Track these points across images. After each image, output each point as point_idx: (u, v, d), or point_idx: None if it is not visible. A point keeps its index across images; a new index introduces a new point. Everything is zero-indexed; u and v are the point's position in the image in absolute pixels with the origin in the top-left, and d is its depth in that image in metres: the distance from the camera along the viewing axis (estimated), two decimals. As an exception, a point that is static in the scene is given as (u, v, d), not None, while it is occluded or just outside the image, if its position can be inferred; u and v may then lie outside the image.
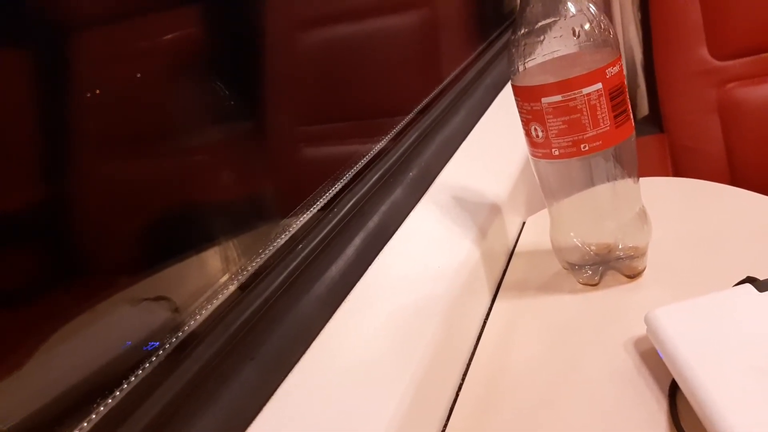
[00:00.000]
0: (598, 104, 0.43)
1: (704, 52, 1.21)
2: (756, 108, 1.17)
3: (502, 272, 0.56)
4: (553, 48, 0.44)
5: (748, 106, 1.18)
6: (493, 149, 0.67)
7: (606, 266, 0.50)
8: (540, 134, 0.45)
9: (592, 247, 0.49)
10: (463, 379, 0.44)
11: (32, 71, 0.33)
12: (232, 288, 0.38)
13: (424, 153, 0.60)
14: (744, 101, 1.18)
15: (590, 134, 0.44)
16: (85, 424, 0.29)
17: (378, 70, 0.64)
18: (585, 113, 0.43)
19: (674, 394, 0.37)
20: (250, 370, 0.34)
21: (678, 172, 1.24)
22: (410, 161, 0.57)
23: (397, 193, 0.52)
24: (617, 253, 0.49)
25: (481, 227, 0.53)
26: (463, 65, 0.80)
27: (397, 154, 0.56)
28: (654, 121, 1.34)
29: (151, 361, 0.32)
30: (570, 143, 0.44)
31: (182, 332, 0.34)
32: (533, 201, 0.66)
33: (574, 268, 0.51)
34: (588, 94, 0.43)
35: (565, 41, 0.44)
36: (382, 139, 0.57)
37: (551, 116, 0.44)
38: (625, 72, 1.66)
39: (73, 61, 0.35)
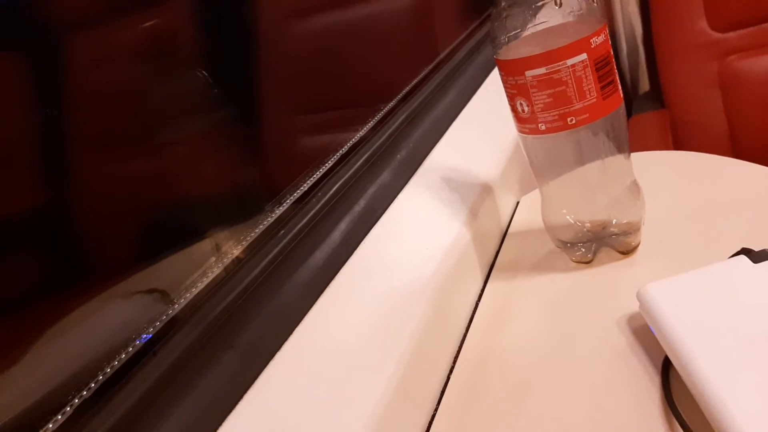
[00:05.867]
0: (583, 75, 0.42)
1: (704, 24, 1.19)
2: (757, 80, 1.15)
3: (495, 253, 0.55)
4: (535, 20, 0.43)
5: (749, 78, 1.15)
6: (484, 128, 0.66)
7: (599, 243, 0.49)
8: (526, 109, 0.44)
9: (586, 224, 0.48)
10: (455, 361, 0.44)
11: (17, 71, 0.32)
12: (211, 276, 0.37)
13: (412, 134, 0.58)
14: (745, 73, 1.15)
15: (577, 107, 0.42)
16: (60, 417, 0.29)
17: (362, 53, 0.63)
18: (570, 85, 0.42)
19: (667, 371, 0.36)
20: (229, 358, 0.33)
21: (679, 147, 1.22)
22: (398, 143, 0.56)
23: (384, 176, 0.51)
24: (611, 229, 0.48)
25: (471, 208, 0.52)
26: (453, 45, 0.78)
27: (384, 137, 0.55)
28: (655, 97, 1.32)
29: (128, 351, 0.32)
30: (556, 117, 0.43)
31: (160, 321, 0.34)
32: (528, 180, 0.64)
33: (566, 246, 0.50)
34: (573, 65, 0.41)
35: (548, 12, 0.43)
36: (369, 122, 0.56)
37: (536, 90, 0.43)
38: (625, 48, 1.61)
39: (59, 58, 0.34)
